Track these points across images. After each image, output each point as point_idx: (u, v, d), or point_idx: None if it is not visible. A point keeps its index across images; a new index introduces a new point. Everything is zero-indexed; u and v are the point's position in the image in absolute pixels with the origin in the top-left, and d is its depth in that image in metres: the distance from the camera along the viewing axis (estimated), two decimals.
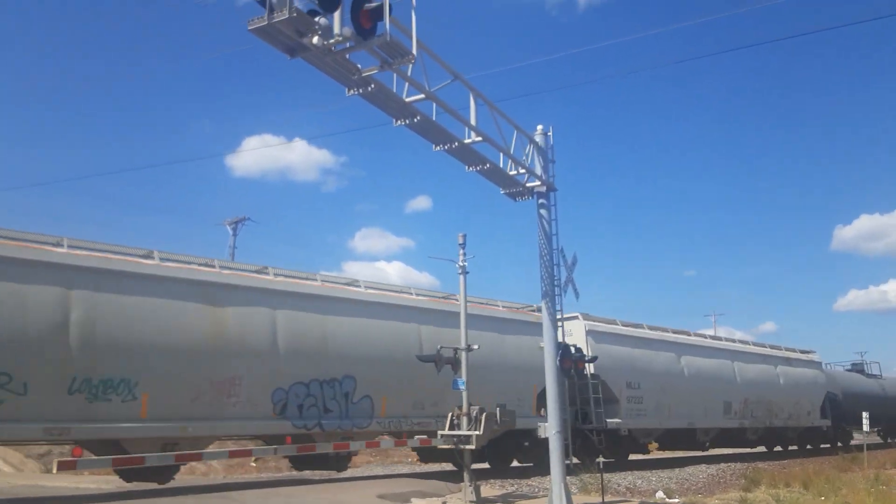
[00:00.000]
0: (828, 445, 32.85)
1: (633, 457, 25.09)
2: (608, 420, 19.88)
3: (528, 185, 12.46)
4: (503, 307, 18.81)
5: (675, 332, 25.77)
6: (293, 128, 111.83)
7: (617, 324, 22.82)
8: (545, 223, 12.48)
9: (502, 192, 12.66)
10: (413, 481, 14.41)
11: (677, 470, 20.92)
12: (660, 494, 16.47)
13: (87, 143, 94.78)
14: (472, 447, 12.05)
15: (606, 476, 18.42)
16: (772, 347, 31.28)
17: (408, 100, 9.18)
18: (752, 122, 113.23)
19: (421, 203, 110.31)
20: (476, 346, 12.83)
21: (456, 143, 10.58)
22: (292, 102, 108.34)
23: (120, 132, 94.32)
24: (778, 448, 31.10)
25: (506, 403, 13.00)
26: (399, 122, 9.73)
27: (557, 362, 11.56)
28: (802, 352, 32.64)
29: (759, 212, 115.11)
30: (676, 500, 15.08)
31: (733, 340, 29.82)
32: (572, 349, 12.15)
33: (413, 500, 11.79)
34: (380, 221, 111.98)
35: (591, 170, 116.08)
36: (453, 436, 12.21)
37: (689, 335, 26.81)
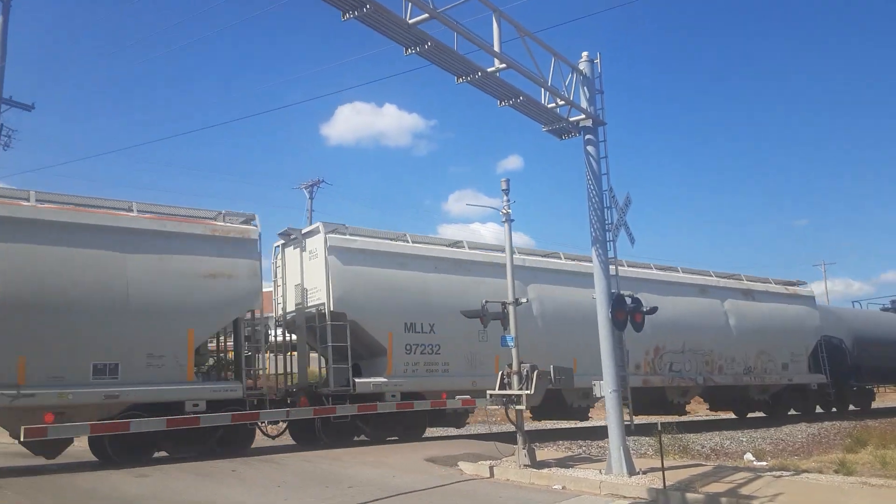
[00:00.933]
0: (828, 410, 24.86)
1: (724, 415, 23.38)
2: (358, 380, 14.37)
3: (571, 119, 11.17)
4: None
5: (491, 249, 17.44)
6: (383, 94, 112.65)
7: (384, 239, 15.95)
8: (593, 161, 11.17)
9: (544, 129, 11.43)
10: (473, 443, 13.63)
11: (773, 430, 19.17)
12: (748, 456, 14.99)
13: (189, 116, 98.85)
14: (522, 407, 11.07)
15: (690, 437, 17.07)
16: (726, 277, 22.66)
17: (411, 21, 8.15)
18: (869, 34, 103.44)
19: (512, 163, 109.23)
20: (525, 300, 11.77)
21: (479, 73, 9.46)
22: (380, 70, 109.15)
23: (220, 104, 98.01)
24: (753, 414, 23.44)
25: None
26: (409, 50, 8.74)
27: (609, 314, 10.36)
28: (783, 283, 24.29)
29: (882, 148, 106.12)
30: (764, 464, 13.58)
31: (646, 266, 20.75)
32: (628, 300, 10.87)
33: (460, 463, 11.00)
34: (472, 183, 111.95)
35: (669, 105, 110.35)
36: (503, 395, 11.27)
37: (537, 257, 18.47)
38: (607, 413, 10.52)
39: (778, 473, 10.47)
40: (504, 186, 12.16)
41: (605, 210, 11.08)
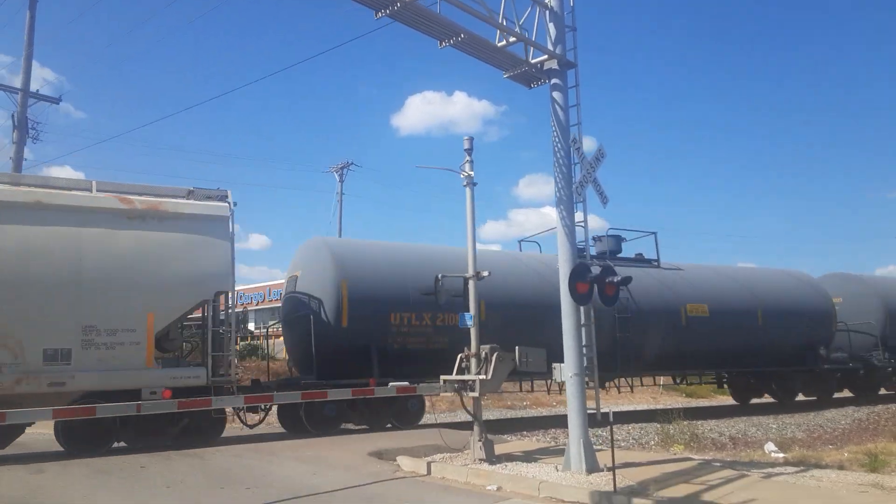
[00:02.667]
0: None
1: (755, 401, 21.37)
2: None
3: (533, 61, 9.64)
4: None
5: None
6: (453, 82, 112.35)
7: None
8: (559, 110, 9.63)
9: (505, 75, 9.96)
10: (449, 433, 12.41)
11: (813, 415, 17.16)
12: (769, 447, 13.22)
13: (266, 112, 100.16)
14: (476, 394, 9.76)
15: (710, 424, 15.35)
16: None
17: None
18: None
19: (586, 144, 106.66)
20: (487, 273, 10.39)
21: (398, 4, 8.07)
22: (448, 57, 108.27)
23: (298, 101, 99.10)
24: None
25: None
26: None
27: (568, 286, 8.89)
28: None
29: None
30: (781, 456, 11.86)
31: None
32: (596, 269, 9.34)
33: (399, 458, 9.79)
34: (543, 167, 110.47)
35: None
36: (455, 381, 9.99)
37: None
38: (568, 400, 9.10)
39: (778, 471, 8.84)
40: (467, 146, 10.76)
41: (574, 166, 9.58)
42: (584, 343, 9.34)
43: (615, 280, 9.20)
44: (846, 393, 22.20)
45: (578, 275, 8.87)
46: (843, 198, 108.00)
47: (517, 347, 10.22)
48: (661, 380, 26.76)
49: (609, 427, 7.87)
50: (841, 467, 10.27)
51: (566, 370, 9.12)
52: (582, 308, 9.39)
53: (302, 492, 7.88)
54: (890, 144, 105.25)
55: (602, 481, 7.96)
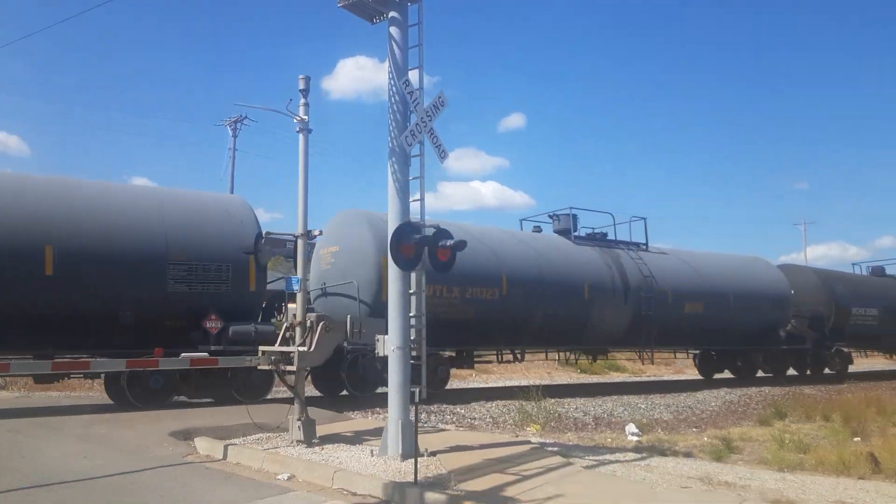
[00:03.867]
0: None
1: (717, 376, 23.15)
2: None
3: None
4: None
5: None
6: (386, 48, 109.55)
7: None
8: (396, 49, 8.49)
9: (340, 4, 8.73)
10: (281, 408, 11.25)
11: (685, 395, 16.90)
12: (630, 428, 12.68)
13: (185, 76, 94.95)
14: (293, 368, 8.62)
15: (579, 402, 14.80)
16: None
17: None
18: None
19: (514, 121, 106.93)
20: (318, 232, 9.22)
21: None
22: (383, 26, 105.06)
23: (215, 60, 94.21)
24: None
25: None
26: None
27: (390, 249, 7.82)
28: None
29: (875, 114, 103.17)
30: (634, 439, 11.31)
31: None
32: (426, 230, 8.34)
33: (197, 440, 8.59)
34: (473, 141, 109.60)
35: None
36: (272, 353, 8.82)
37: None
38: (389, 375, 8.09)
39: (614, 458, 8.15)
40: (302, 86, 9.48)
41: (410, 115, 8.48)
42: (412, 313, 8.36)
43: (448, 244, 8.20)
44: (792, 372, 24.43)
45: (403, 235, 7.81)
46: (753, 186, 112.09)
47: (348, 316, 9.17)
48: (559, 355, 26.52)
49: (415, 408, 6.90)
50: (688, 454, 9.75)
51: (389, 343, 8.10)
52: (413, 274, 8.39)
53: (53, 478, 6.62)
54: (797, 136, 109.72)
55: (410, 469, 7.00)
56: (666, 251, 21.18)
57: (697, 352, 23.89)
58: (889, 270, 29.30)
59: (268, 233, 9.49)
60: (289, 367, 8.62)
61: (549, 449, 8.67)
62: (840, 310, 24.73)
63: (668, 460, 8.80)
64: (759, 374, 23.47)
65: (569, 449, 9.20)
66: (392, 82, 8.44)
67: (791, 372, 24.25)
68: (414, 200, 8.55)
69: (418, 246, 7.93)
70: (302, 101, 9.41)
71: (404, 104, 8.42)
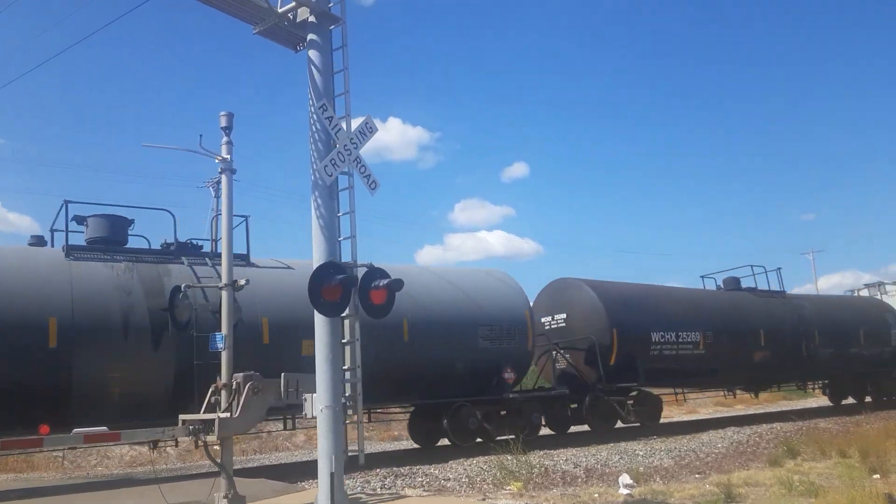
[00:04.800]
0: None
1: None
2: None
3: (280, 10, 7.68)
4: None
5: None
6: (387, 108, 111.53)
7: None
8: (316, 74, 7.67)
9: (255, 31, 7.97)
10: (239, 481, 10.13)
11: (687, 438, 15.58)
12: (624, 479, 11.43)
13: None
14: (213, 438, 7.56)
15: (557, 453, 13.52)
16: None
17: None
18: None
19: (518, 170, 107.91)
20: (244, 282, 8.27)
21: None
22: (384, 82, 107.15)
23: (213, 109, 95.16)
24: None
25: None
26: None
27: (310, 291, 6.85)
28: None
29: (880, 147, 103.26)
30: (626, 492, 10.10)
31: None
32: (361, 270, 7.38)
33: None
34: (478, 192, 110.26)
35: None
36: (192, 422, 7.76)
37: None
38: (319, 437, 7.03)
39: None
40: (224, 123, 8.69)
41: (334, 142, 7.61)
42: (347, 366, 7.34)
43: (381, 284, 7.25)
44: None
45: (324, 277, 6.84)
46: (761, 219, 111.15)
47: (283, 374, 8.14)
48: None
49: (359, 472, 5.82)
50: None
51: (318, 401, 7.06)
52: (347, 322, 7.41)
53: None
54: (805, 169, 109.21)
55: None
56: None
57: None
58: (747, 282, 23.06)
59: (186, 285, 8.48)
60: (209, 438, 7.55)
61: None
62: (627, 337, 17.69)
63: None
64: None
65: None
66: (312, 108, 7.61)
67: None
68: (344, 239, 7.64)
69: (344, 288, 6.97)
70: (224, 139, 8.61)
71: (326, 132, 7.57)
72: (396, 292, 7.39)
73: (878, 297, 28.36)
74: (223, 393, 7.92)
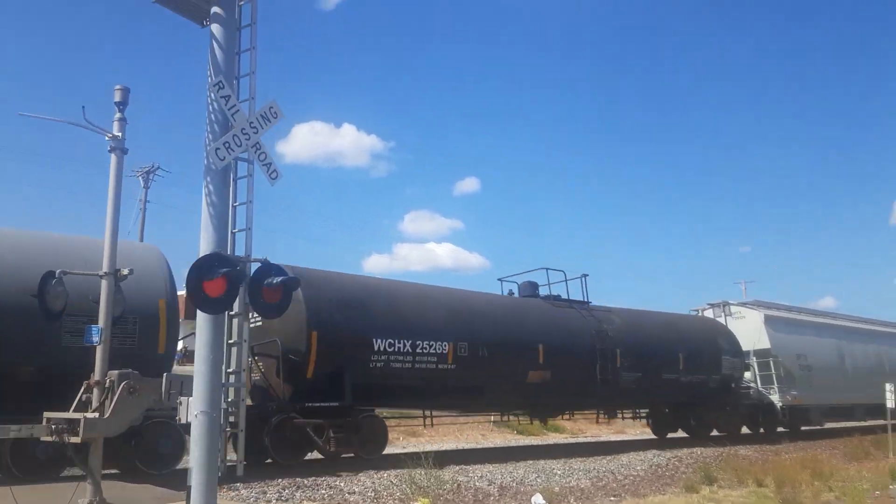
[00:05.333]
0: None
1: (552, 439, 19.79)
2: None
3: None
4: None
5: None
6: (342, 114, 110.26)
7: None
8: (218, 51, 7.09)
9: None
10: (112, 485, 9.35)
11: (608, 459, 15.35)
12: (536, 499, 11.10)
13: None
14: (77, 440, 6.86)
15: (474, 469, 13.10)
16: None
17: None
18: (799, 82, 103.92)
19: (469, 185, 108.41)
20: (128, 272, 7.59)
21: None
22: (341, 89, 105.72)
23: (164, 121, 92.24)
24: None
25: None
26: None
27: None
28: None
29: (817, 184, 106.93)
30: None
31: None
32: (254, 266, 6.82)
33: None
34: (429, 203, 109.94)
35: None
36: (56, 420, 7.05)
37: None
38: (192, 446, 6.40)
39: None
40: (118, 98, 8.01)
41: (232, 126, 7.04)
42: (231, 369, 6.75)
43: (275, 282, 6.68)
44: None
45: (206, 269, 6.24)
46: (700, 248, 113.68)
47: (165, 374, 7.46)
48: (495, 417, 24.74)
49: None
50: None
51: (193, 405, 6.44)
52: (235, 321, 6.83)
53: None
54: (742, 201, 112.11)
55: None
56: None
57: None
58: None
59: (62, 271, 7.73)
60: (72, 439, 6.85)
61: None
62: (334, 343, 13.36)
63: None
64: None
65: None
66: (211, 86, 7.02)
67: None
68: (239, 231, 7.07)
69: (229, 283, 6.37)
70: (117, 115, 7.93)
71: (223, 114, 6.98)
72: (293, 291, 6.84)
73: (722, 318, 23.92)
74: (95, 391, 7.21)
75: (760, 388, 22.94)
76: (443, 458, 13.84)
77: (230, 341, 6.74)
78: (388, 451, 14.60)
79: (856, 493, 10.68)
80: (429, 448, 17.70)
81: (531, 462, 14.15)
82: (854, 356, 27.02)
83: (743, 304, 25.85)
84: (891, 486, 13.00)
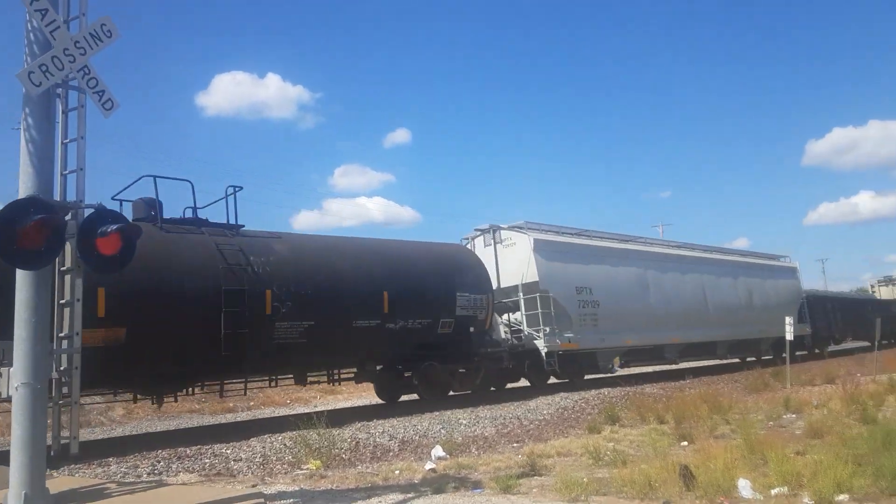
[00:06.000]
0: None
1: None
2: None
3: None
4: None
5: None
6: (265, 64, 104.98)
7: None
8: None
9: None
10: None
11: (517, 405, 15.19)
12: (437, 451, 10.67)
13: None
14: None
15: (376, 424, 12.63)
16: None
17: None
18: (723, 30, 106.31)
19: (400, 136, 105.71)
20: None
21: None
22: (263, 38, 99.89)
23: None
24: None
25: None
26: None
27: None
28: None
29: (733, 128, 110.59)
30: (428, 466, 9.27)
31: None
32: (81, 212, 5.83)
33: None
34: (359, 157, 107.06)
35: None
36: None
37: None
38: (12, 423, 5.50)
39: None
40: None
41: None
42: (63, 333, 5.83)
43: (110, 230, 5.72)
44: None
45: (16, 216, 5.24)
46: (622, 194, 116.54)
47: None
48: None
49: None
50: (477, 484, 7.82)
51: (14, 376, 5.51)
52: (67, 278, 5.87)
53: None
54: (666, 147, 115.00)
55: None
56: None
57: None
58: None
59: None
60: None
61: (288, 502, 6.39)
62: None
63: (447, 497, 6.88)
64: None
65: (333, 495, 7.07)
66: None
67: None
68: (70, 172, 6.03)
69: (51, 232, 5.40)
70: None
71: (42, 32, 5.86)
72: (136, 239, 5.91)
73: (492, 247, 19.44)
74: None
75: (528, 332, 18.58)
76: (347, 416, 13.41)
77: (62, 301, 5.79)
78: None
79: (748, 426, 10.76)
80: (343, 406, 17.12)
81: (437, 413, 13.77)
82: (662, 288, 22.47)
83: (513, 228, 19.95)
84: (784, 416, 13.33)
